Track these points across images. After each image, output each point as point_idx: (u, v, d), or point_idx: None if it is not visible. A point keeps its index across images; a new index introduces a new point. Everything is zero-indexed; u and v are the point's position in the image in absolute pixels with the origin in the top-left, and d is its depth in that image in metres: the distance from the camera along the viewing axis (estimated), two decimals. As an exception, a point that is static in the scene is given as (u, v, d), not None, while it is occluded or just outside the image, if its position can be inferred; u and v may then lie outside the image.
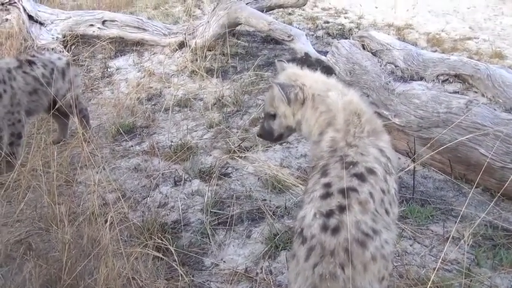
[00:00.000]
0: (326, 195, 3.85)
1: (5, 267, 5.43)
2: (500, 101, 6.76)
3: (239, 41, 11.91)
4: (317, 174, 4.07)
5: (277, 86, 4.63)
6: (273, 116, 4.86)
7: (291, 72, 4.84)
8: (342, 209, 3.73)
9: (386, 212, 3.98)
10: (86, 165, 6.66)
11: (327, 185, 3.91)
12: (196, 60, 10.56)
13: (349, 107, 4.50)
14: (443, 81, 7.04)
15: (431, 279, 4.37)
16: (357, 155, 4.14)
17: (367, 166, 4.07)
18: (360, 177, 3.96)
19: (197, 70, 10.21)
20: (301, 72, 4.85)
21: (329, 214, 3.73)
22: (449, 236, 5.20)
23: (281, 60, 5.15)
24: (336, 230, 3.66)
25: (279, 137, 5.05)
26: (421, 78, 7.25)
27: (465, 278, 5.05)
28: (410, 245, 5.72)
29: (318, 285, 3.65)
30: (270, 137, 5.07)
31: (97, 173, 6.66)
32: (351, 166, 4.03)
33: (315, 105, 4.56)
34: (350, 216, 3.72)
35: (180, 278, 5.31)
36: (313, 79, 4.74)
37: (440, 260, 5.06)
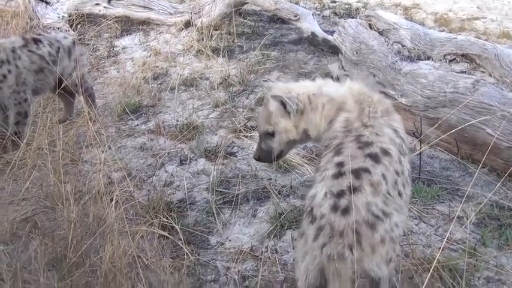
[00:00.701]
0: (338, 175, 3.83)
1: (11, 245, 5.45)
2: (508, 80, 6.73)
3: (245, 20, 11.85)
4: (330, 153, 4.05)
5: (281, 98, 4.60)
6: (271, 135, 4.82)
7: (280, 87, 4.83)
8: (353, 189, 3.71)
9: (399, 194, 3.98)
10: (91, 144, 6.65)
11: (340, 164, 3.88)
12: (203, 39, 10.52)
13: (354, 90, 4.57)
14: (450, 60, 7.00)
15: (436, 259, 4.36)
16: (372, 135, 4.14)
17: (382, 147, 4.06)
18: (374, 158, 3.94)
19: (203, 49, 10.17)
20: (290, 85, 4.88)
21: (340, 194, 3.71)
22: (455, 215, 5.20)
23: (265, 81, 5.10)
24: (346, 211, 3.64)
25: (279, 155, 5.01)
26: (428, 58, 7.22)
27: (470, 258, 5.05)
28: (416, 225, 5.71)
29: (325, 265, 3.65)
30: (269, 157, 5.01)
31: (103, 151, 6.66)
32: (366, 146, 4.02)
33: (314, 105, 4.58)
34: (361, 197, 3.71)
35: (185, 256, 5.32)
36: (302, 86, 4.78)
37: (445, 240, 5.05)
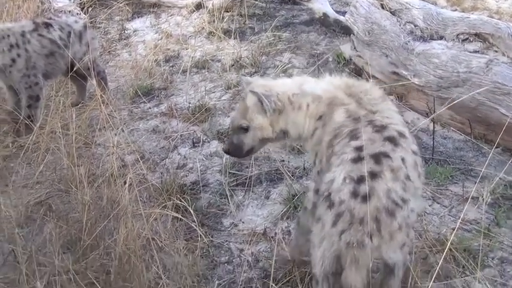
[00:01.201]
0: (357, 159, 3.80)
1: (26, 228, 5.49)
2: (521, 59, 6.68)
3: (257, 2, 11.76)
4: (345, 139, 4.02)
5: (259, 95, 4.54)
6: (245, 129, 4.72)
7: (261, 83, 4.77)
8: (373, 175, 3.70)
9: (419, 175, 4.01)
10: (104, 127, 6.66)
11: (359, 149, 3.85)
12: (214, 21, 10.47)
13: (340, 85, 4.58)
14: (463, 40, 6.95)
15: (450, 240, 4.36)
16: (384, 119, 4.14)
17: (397, 129, 4.06)
18: (393, 141, 3.93)
19: (214, 31, 10.13)
20: (270, 82, 4.83)
21: (360, 180, 3.68)
22: (469, 196, 5.18)
23: (244, 75, 5.04)
24: (366, 198, 3.62)
25: (249, 151, 4.92)
26: (441, 38, 7.16)
27: (484, 238, 5.04)
28: (430, 205, 5.71)
29: (343, 252, 3.66)
30: (239, 152, 4.92)
31: (116, 134, 6.67)
32: (382, 129, 4.01)
33: (297, 105, 4.55)
34: (381, 183, 3.69)
35: (199, 238, 5.34)
36: (282, 84, 4.73)
37: (459, 221, 5.04)
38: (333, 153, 4.05)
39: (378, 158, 3.78)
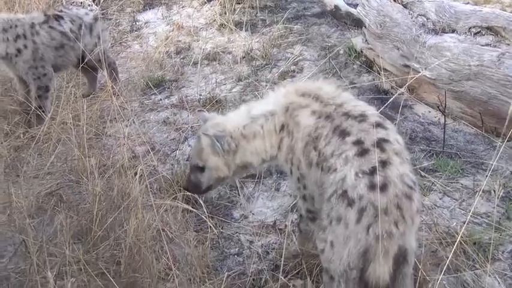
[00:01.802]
0: (363, 152, 3.81)
1: (37, 218, 5.52)
2: (534, 53, 6.64)
3: (268, -6, 11.78)
4: (333, 138, 4.01)
5: (211, 138, 4.55)
6: (201, 169, 4.71)
7: (215, 122, 4.74)
8: (383, 163, 3.72)
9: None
10: (115, 118, 6.69)
11: (358, 142, 3.87)
12: (225, 13, 10.46)
13: (287, 90, 4.62)
14: (475, 33, 6.91)
15: (460, 233, 4.35)
16: (356, 108, 4.21)
17: (375, 113, 4.18)
18: (381, 125, 3.99)
19: (226, 23, 10.12)
20: (223, 119, 4.80)
21: (373, 171, 3.68)
22: (480, 189, 5.17)
23: (201, 110, 5.01)
24: (384, 187, 3.63)
25: (207, 189, 4.92)
26: (453, 31, 7.12)
27: (495, 232, 5.03)
28: (440, 199, 5.70)
29: (373, 246, 3.65)
30: (197, 190, 4.94)
31: (126, 126, 6.70)
32: (364, 118, 4.06)
33: (251, 135, 4.57)
34: (394, 170, 3.72)
35: (209, 229, 5.37)
36: (232, 120, 4.70)
37: (470, 214, 5.03)
38: (323, 157, 4.04)
39: (380, 145, 3.81)
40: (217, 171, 4.67)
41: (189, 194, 5.48)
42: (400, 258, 3.79)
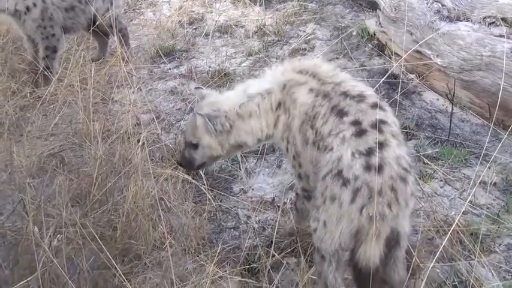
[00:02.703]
0: (360, 133, 3.80)
1: (37, 178, 5.53)
2: (547, 47, 6.59)
3: (285, -30, 11.71)
4: (331, 117, 3.99)
5: (204, 117, 4.53)
6: (195, 146, 4.71)
7: (211, 101, 4.70)
8: (380, 145, 3.70)
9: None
10: (122, 84, 6.67)
11: (356, 123, 3.86)
12: (241, -14, 10.45)
13: (285, 68, 4.59)
14: (489, 23, 6.84)
15: (456, 221, 4.36)
16: (354, 88, 4.19)
17: (373, 94, 4.17)
18: (378, 106, 3.96)
19: (241, -4, 10.11)
20: (220, 98, 4.74)
21: (369, 152, 3.68)
22: (478, 180, 5.16)
23: (199, 88, 4.99)
24: (380, 169, 3.62)
25: (200, 165, 4.92)
26: (467, 19, 7.06)
27: (493, 224, 5.03)
28: (441, 187, 5.69)
29: (365, 227, 3.66)
30: (190, 166, 4.94)
31: (133, 93, 6.69)
32: (362, 98, 4.05)
33: (247, 114, 4.55)
34: (390, 151, 3.71)
35: (207, 202, 5.38)
36: (229, 100, 4.64)
37: (467, 203, 5.02)
38: (320, 136, 4.03)
39: (378, 126, 3.79)
40: (210, 150, 4.67)
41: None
42: (392, 241, 3.80)
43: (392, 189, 3.62)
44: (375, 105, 3.94)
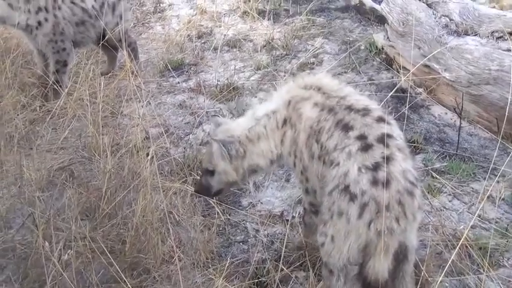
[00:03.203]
0: (367, 147, 3.81)
1: (47, 192, 5.55)
2: (556, 62, 6.58)
3: (293, -16, 11.75)
4: (336, 132, 4.01)
5: (219, 143, 4.62)
6: (211, 172, 4.79)
7: (225, 128, 4.79)
8: (387, 159, 3.71)
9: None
10: (131, 98, 6.70)
11: (361, 137, 3.87)
12: (249, 0, 10.44)
13: (290, 86, 4.65)
14: (497, 38, 6.85)
15: (464, 235, 4.36)
16: (359, 101, 4.20)
17: (377, 107, 4.19)
18: (384, 120, 3.97)
19: (249, 11, 10.11)
20: (232, 124, 4.85)
21: (376, 167, 3.70)
22: (486, 194, 5.16)
23: (215, 115, 5.05)
24: (387, 183, 3.63)
25: (217, 193, 4.99)
26: (475, 34, 7.07)
27: (502, 238, 5.02)
28: (449, 201, 5.69)
29: (374, 241, 3.67)
30: (207, 193, 5.01)
31: (142, 106, 6.70)
32: (367, 112, 4.06)
33: (255, 137, 4.63)
34: (396, 165, 3.73)
35: (216, 215, 5.40)
36: (240, 126, 4.74)
37: (475, 217, 5.02)
38: (325, 151, 4.05)
39: (384, 140, 3.80)
40: (226, 175, 4.73)
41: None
42: (401, 255, 3.82)
43: (399, 203, 3.63)
44: (380, 119, 3.97)
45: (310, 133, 4.24)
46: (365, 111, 4.05)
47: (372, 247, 3.69)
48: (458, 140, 6.41)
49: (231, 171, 4.69)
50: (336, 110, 4.14)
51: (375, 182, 3.66)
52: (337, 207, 3.77)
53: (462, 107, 6.48)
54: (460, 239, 4.59)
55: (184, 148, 6.51)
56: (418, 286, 4.17)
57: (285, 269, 4.55)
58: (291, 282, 4.70)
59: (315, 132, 4.17)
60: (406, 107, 6.64)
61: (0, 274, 4.72)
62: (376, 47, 8.56)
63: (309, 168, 4.32)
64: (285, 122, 4.49)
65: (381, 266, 3.71)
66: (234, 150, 4.61)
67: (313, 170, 4.23)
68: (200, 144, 6.58)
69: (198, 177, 5.42)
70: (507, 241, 5.04)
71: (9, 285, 4.53)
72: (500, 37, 6.79)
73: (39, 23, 7.19)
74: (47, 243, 4.18)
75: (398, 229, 3.63)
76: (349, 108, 4.10)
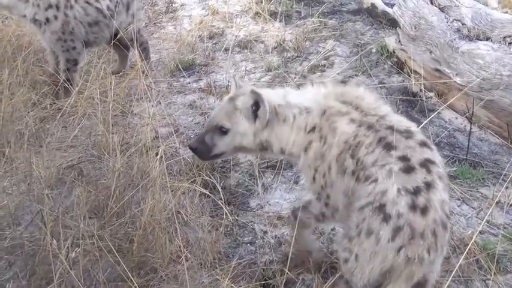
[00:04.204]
0: (409, 169, 3.72)
1: (56, 190, 5.58)
2: None
3: (306, -14, 11.75)
4: (377, 149, 3.88)
5: (262, 99, 4.27)
6: (224, 132, 4.40)
7: (255, 89, 4.37)
8: (428, 186, 3.65)
9: None
10: (142, 97, 6.70)
11: (404, 158, 3.77)
12: (261, 2, 10.43)
13: (328, 92, 4.41)
14: (509, 43, 6.83)
15: (472, 240, 4.35)
16: (400, 123, 4.08)
17: (417, 130, 4.09)
18: (425, 144, 3.92)
19: (261, 12, 10.11)
20: (264, 90, 4.50)
21: (416, 191, 3.62)
22: (497, 199, 5.15)
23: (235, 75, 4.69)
24: (425, 210, 3.57)
25: (216, 156, 4.62)
26: (487, 39, 7.05)
27: (510, 244, 5.02)
28: (458, 206, 5.67)
29: (400, 268, 3.60)
30: (205, 153, 4.56)
31: (152, 106, 6.72)
32: (409, 134, 3.96)
33: (282, 117, 4.34)
34: (437, 194, 3.66)
35: (224, 216, 5.39)
36: (267, 94, 4.41)
37: (484, 222, 5.01)
38: (361, 166, 3.90)
39: (426, 166, 3.74)
40: (243, 138, 4.40)
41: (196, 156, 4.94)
42: (419, 286, 3.74)
43: (433, 233, 3.57)
44: (423, 143, 3.90)
45: (344, 148, 4.07)
46: (408, 134, 3.95)
47: (397, 273, 3.63)
48: (468, 145, 6.39)
49: (251, 134, 4.38)
50: (376, 127, 4.01)
51: (413, 207, 3.58)
52: (367, 225, 3.68)
53: (473, 111, 6.47)
54: (468, 244, 4.59)
55: (194, 148, 6.51)
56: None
57: (289, 273, 4.54)
58: (297, 284, 4.70)
59: (351, 147, 4.03)
60: (415, 111, 6.65)
61: (8, 271, 4.74)
62: (388, 50, 8.54)
63: (335, 184, 4.16)
64: (313, 129, 4.27)
65: None
66: (267, 113, 4.27)
67: (341, 186, 4.08)
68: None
69: (201, 133, 4.98)
70: (515, 247, 5.04)
71: (17, 281, 4.55)
72: (513, 42, 6.77)
73: (48, 20, 7.18)
74: (54, 241, 4.19)
75: (427, 260, 3.56)
76: (391, 128, 3.96)
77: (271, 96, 4.40)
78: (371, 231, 3.64)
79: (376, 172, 3.77)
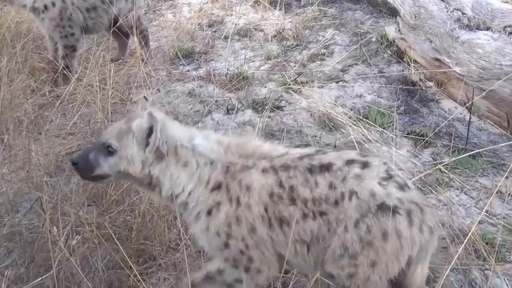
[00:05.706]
0: (366, 164, 3.79)
1: (54, 177, 5.57)
2: None
3: (306, -25, 11.71)
4: (317, 177, 3.75)
5: (157, 124, 3.81)
6: (111, 152, 3.89)
7: (162, 117, 3.96)
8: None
9: None
10: (141, 85, 6.70)
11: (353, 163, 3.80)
12: (261, -10, 10.45)
13: (228, 143, 4.05)
14: (510, 33, 6.81)
15: (471, 230, 4.35)
16: (294, 150, 4.08)
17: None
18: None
19: (260, 0, 10.08)
20: (169, 122, 4.07)
21: (390, 175, 3.76)
22: (496, 189, 5.14)
23: (146, 97, 4.23)
24: (405, 186, 3.76)
25: (99, 177, 4.08)
26: (487, 28, 7.02)
27: (509, 234, 5.02)
28: (457, 195, 5.68)
29: (427, 243, 3.70)
30: (87, 172, 4.03)
31: (152, 94, 6.70)
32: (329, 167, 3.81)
33: (182, 160, 3.91)
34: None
35: (223, 204, 5.36)
36: (174, 129, 4.00)
37: (483, 212, 5.01)
38: (319, 201, 3.72)
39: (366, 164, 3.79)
40: (128, 164, 3.89)
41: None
42: None
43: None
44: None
45: (270, 202, 3.79)
46: (327, 167, 3.81)
47: (423, 251, 3.67)
48: (468, 135, 6.39)
49: (138, 163, 3.88)
50: (292, 165, 3.82)
51: (401, 187, 3.65)
52: (379, 229, 3.59)
53: (472, 101, 6.46)
54: (467, 234, 4.59)
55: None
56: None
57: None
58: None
59: (282, 196, 3.78)
60: (415, 100, 6.64)
61: (7, 258, 4.74)
62: (388, 39, 8.52)
63: (268, 242, 3.86)
64: (218, 187, 3.89)
65: (426, 270, 3.77)
66: (165, 144, 3.85)
67: (283, 239, 3.83)
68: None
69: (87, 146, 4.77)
70: (514, 237, 5.04)
71: (16, 268, 4.55)
72: (513, 32, 6.75)
73: (46, 7, 7.17)
74: (54, 228, 4.17)
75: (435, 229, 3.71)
76: (301, 158, 3.86)
77: (176, 131, 4.00)
78: (385, 232, 3.58)
79: (344, 188, 3.68)
